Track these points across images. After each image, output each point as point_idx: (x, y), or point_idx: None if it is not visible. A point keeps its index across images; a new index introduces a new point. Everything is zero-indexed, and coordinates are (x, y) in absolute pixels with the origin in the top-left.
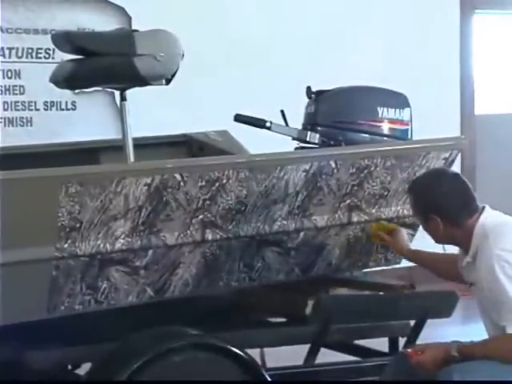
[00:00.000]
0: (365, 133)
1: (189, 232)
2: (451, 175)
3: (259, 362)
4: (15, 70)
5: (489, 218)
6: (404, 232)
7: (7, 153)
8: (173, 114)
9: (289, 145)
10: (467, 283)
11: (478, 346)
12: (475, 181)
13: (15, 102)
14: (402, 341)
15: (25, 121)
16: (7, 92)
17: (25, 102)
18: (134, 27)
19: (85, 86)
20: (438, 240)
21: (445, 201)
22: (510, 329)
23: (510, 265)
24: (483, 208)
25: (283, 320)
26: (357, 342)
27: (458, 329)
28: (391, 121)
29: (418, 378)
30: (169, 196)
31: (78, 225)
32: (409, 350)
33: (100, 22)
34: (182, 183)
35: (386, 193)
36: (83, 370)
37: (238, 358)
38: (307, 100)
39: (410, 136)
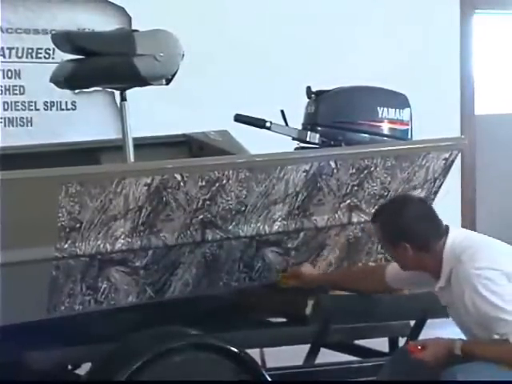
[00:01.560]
0: (365, 133)
1: (189, 232)
2: (417, 200)
3: (259, 362)
4: (15, 70)
5: (456, 238)
6: (306, 265)
7: (7, 153)
8: (173, 114)
9: (289, 145)
10: (394, 291)
11: (480, 348)
12: (475, 181)
13: (15, 102)
14: (402, 341)
15: (25, 121)
16: (7, 92)
17: (25, 102)
18: (134, 27)
19: (85, 86)
20: (406, 267)
21: (414, 226)
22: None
23: (491, 280)
24: (447, 229)
25: (283, 320)
26: (357, 341)
27: (458, 329)
28: (391, 121)
29: (416, 375)
30: (169, 196)
31: (77, 225)
32: (409, 344)
33: (100, 22)
34: (181, 183)
35: (386, 193)
36: (83, 370)
37: (238, 358)
38: (307, 100)
39: (410, 136)
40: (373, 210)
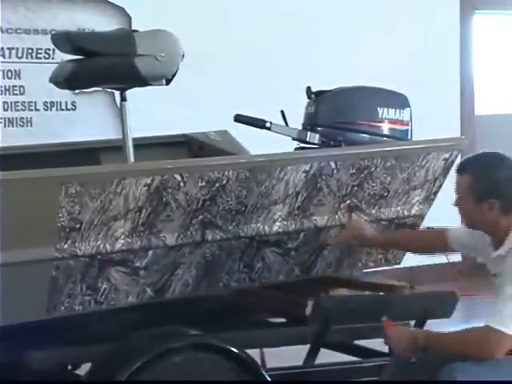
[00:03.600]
0: (365, 133)
1: (189, 232)
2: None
3: (259, 362)
4: (15, 70)
5: None
6: (359, 220)
7: (7, 153)
8: (173, 114)
9: (289, 145)
10: (449, 253)
11: (441, 338)
12: None
13: (15, 102)
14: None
15: (25, 121)
16: (7, 92)
17: (25, 102)
18: (134, 27)
19: (85, 86)
20: (474, 224)
21: (509, 187)
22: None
23: None
24: None
25: (283, 320)
26: (357, 341)
27: (458, 329)
28: (391, 121)
29: (418, 377)
30: (169, 196)
31: (77, 225)
32: (386, 320)
33: (100, 22)
34: (181, 184)
35: (385, 193)
36: (83, 370)
37: (238, 358)
38: (307, 100)
39: (410, 136)
40: (373, 211)
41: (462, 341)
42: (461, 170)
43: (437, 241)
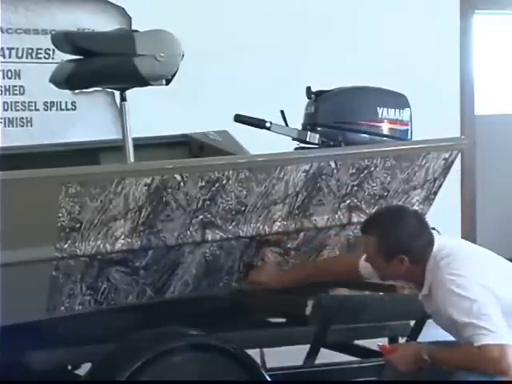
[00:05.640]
0: (365, 133)
1: (189, 232)
2: (413, 212)
3: (259, 362)
4: (15, 70)
5: (438, 246)
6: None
7: (7, 153)
8: (173, 114)
9: (289, 145)
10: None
11: (447, 354)
12: (475, 181)
13: (15, 102)
14: (401, 341)
15: (25, 121)
16: (7, 92)
17: (25, 102)
18: (134, 27)
19: (85, 86)
20: (389, 278)
21: (415, 239)
22: (476, 341)
23: (463, 287)
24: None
25: (283, 320)
26: (357, 342)
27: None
28: (391, 121)
29: (417, 377)
30: (169, 196)
31: (77, 225)
32: (381, 345)
33: (100, 22)
34: (181, 183)
35: (385, 193)
36: (83, 370)
37: (238, 358)
38: (307, 100)
39: (409, 136)
40: (373, 211)
41: (474, 364)
42: (365, 231)
43: (348, 270)
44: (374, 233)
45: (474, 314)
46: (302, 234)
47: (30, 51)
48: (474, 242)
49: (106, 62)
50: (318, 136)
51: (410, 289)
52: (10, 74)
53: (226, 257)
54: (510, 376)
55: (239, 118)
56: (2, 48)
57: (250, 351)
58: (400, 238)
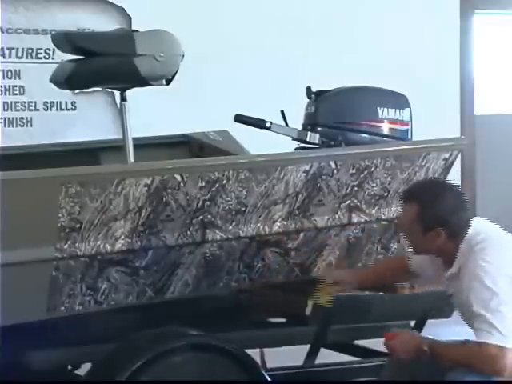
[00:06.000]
0: (365, 133)
1: (189, 232)
2: (456, 188)
3: (259, 362)
4: (15, 70)
5: (474, 229)
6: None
7: (7, 153)
8: (173, 114)
9: (289, 145)
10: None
11: (446, 348)
12: (475, 181)
13: (15, 102)
14: None
15: (25, 121)
16: (7, 92)
17: (25, 102)
18: (134, 27)
19: (85, 86)
20: (421, 251)
21: (457, 213)
22: (481, 337)
23: (492, 277)
24: None
25: (283, 320)
26: (357, 342)
27: (458, 329)
28: (391, 121)
29: (417, 376)
30: (169, 197)
31: (77, 225)
32: (386, 333)
33: (100, 22)
34: (181, 184)
35: (385, 193)
36: (83, 370)
37: (238, 358)
38: (307, 100)
39: (410, 136)
40: (373, 211)
41: (471, 360)
42: (406, 199)
43: (402, 270)
44: (415, 201)
45: (490, 308)
46: (302, 234)
47: (30, 51)
48: None
49: (106, 62)
50: (318, 136)
51: (410, 289)
52: (10, 74)
53: (226, 257)
54: (504, 377)
55: (239, 118)
56: (2, 48)
57: (250, 351)
58: (441, 209)
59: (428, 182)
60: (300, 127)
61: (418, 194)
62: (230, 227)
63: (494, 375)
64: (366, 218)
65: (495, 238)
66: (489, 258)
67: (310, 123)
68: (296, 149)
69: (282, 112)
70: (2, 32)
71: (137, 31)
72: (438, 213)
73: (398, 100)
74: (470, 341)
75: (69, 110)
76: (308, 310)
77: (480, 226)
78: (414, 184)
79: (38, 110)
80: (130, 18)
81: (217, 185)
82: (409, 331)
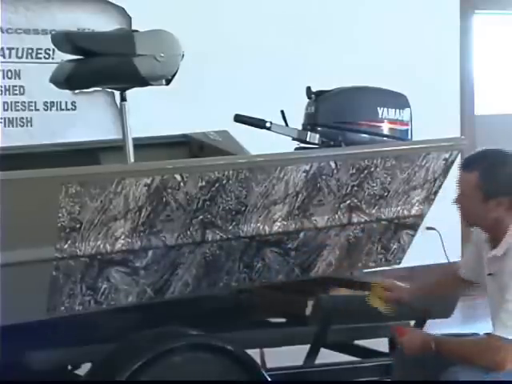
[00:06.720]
0: (365, 133)
1: (189, 232)
2: None
3: (259, 362)
4: (15, 70)
5: None
6: (393, 281)
7: (7, 153)
8: (173, 114)
9: (289, 145)
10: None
11: (453, 344)
12: None
13: (15, 102)
14: None
15: (25, 121)
16: (7, 92)
17: (25, 102)
18: (134, 27)
19: (85, 86)
20: (475, 222)
21: None
22: (496, 329)
23: None
24: None
25: (283, 320)
26: (357, 342)
27: (458, 329)
28: (391, 121)
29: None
30: (169, 196)
31: (77, 225)
32: (396, 327)
33: (100, 22)
34: (181, 184)
35: (385, 193)
36: (83, 370)
37: (238, 358)
38: (307, 100)
39: (410, 136)
40: (373, 211)
41: (473, 350)
42: (467, 166)
43: (450, 276)
44: (477, 168)
45: None
46: (301, 234)
47: (30, 51)
48: None
49: (105, 62)
50: (318, 136)
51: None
52: (10, 74)
53: (226, 257)
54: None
55: (239, 118)
56: (2, 48)
57: (250, 351)
58: (504, 178)
59: (488, 151)
60: (300, 127)
61: (478, 162)
62: (230, 227)
63: (494, 368)
64: (366, 218)
65: None
66: None
67: (310, 123)
68: (296, 149)
69: (282, 112)
70: (2, 32)
71: (137, 31)
72: (500, 180)
73: (398, 100)
74: (477, 334)
75: (69, 109)
76: (308, 310)
77: None
78: (474, 153)
79: (38, 110)
80: (130, 18)
81: (217, 185)
82: (416, 329)
